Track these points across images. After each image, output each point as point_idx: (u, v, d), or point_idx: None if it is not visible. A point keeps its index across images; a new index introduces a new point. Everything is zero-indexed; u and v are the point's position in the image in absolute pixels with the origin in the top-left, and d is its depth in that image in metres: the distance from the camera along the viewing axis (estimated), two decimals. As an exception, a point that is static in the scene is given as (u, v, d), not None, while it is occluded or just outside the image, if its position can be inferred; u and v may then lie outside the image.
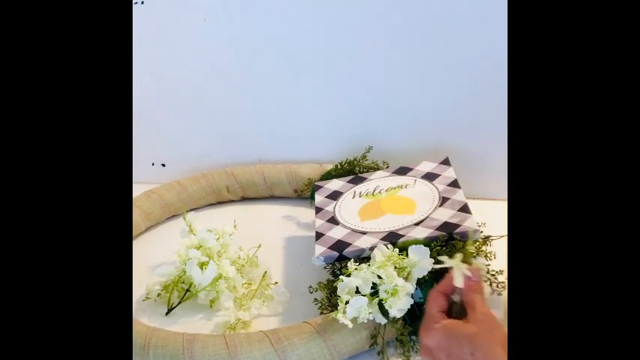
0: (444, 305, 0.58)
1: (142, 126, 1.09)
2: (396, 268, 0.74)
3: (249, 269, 0.90)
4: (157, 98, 1.13)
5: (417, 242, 0.80)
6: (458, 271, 0.57)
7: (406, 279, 0.74)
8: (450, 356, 0.54)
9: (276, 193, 1.12)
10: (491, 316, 0.55)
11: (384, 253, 0.77)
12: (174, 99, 1.14)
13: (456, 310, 0.58)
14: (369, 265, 0.76)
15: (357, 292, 0.74)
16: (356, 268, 0.75)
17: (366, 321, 0.72)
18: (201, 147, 1.17)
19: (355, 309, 0.71)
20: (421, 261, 0.75)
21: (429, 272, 0.75)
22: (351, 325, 0.71)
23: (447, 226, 0.84)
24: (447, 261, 0.58)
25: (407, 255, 0.76)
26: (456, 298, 0.58)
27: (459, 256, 0.58)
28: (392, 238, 0.84)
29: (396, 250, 0.77)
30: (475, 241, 0.84)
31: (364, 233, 0.87)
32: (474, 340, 0.53)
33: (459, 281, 0.57)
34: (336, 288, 0.76)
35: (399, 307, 0.72)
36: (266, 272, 0.87)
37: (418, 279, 0.75)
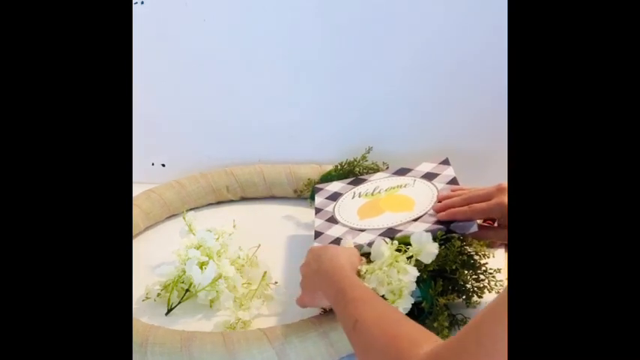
0: None
1: (142, 126, 1.08)
2: (408, 258, 0.74)
3: (249, 269, 0.90)
4: (156, 98, 1.13)
5: None
6: None
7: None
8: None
9: (276, 193, 1.12)
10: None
11: (389, 249, 0.76)
12: (174, 99, 1.14)
13: None
14: (380, 267, 0.75)
15: None
16: (367, 270, 0.75)
17: None
18: (201, 147, 1.17)
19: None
20: (425, 247, 0.75)
21: (428, 272, 0.75)
22: None
23: (445, 222, 0.84)
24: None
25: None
26: None
27: None
28: (390, 234, 0.84)
29: (396, 242, 0.77)
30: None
31: (362, 231, 0.87)
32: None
33: None
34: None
35: (402, 305, 0.72)
36: (266, 272, 0.87)
37: (418, 278, 0.74)
